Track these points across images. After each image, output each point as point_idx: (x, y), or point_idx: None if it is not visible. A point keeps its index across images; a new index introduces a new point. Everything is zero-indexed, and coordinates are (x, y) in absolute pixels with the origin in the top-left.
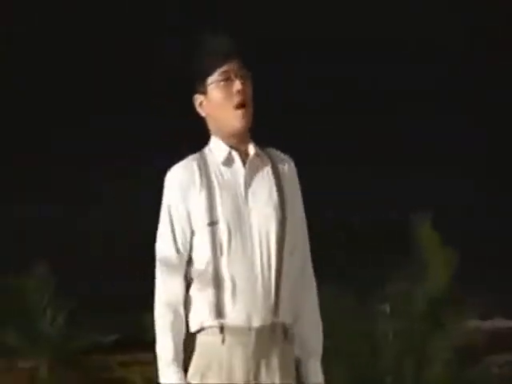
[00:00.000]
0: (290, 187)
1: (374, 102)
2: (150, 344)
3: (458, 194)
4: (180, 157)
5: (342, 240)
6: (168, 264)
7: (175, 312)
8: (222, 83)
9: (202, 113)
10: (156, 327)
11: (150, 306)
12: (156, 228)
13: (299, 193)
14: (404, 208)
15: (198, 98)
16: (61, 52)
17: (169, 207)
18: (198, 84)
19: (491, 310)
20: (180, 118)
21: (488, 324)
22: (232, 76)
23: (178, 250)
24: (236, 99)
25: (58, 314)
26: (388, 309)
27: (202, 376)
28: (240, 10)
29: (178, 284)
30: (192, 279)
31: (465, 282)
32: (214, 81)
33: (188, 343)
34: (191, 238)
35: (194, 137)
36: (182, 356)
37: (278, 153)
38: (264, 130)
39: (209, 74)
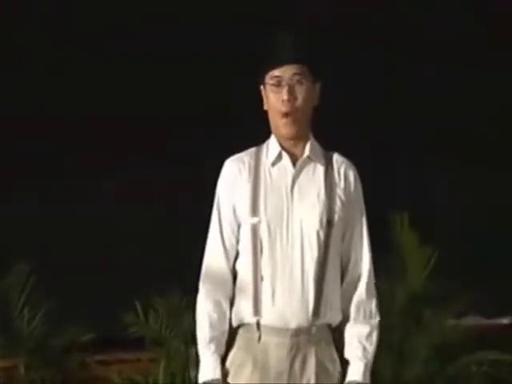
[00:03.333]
0: (347, 192)
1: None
2: (129, 343)
3: (435, 191)
4: None
5: None
6: (217, 258)
7: (216, 303)
8: (274, 87)
9: (265, 106)
10: (197, 318)
11: (130, 304)
12: (130, 223)
13: (359, 198)
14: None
15: (262, 90)
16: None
17: (218, 200)
18: (261, 76)
19: (470, 308)
20: None
21: (466, 322)
22: (283, 82)
23: (225, 245)
24: (282, 108)
25: (36, 312)
26: None
27: (236, 370)
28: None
29: (223, 281)
30: (238, 273)
31: (444, 279)
32: (267, 82)
33: (229, 338)
34: (238, 231)
35: None
36: (221, 345)
37: (340, 157)
38: None
39: (267, 71)
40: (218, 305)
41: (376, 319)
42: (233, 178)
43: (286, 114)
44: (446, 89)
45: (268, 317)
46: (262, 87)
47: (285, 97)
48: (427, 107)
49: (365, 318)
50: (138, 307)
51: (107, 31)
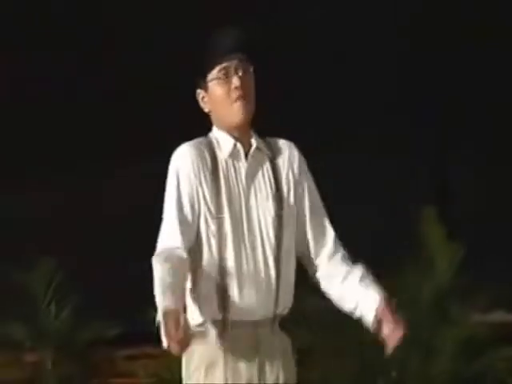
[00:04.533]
0: (292, 173)
1: None
2: (155, 338)
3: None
4: None
5: None
6: (172, 241)
7: (174, 253)
8: (222, 80)
9: (205, 108)
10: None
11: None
12: (156, 219)
13: (305, 176)
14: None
15: (200, 93)
16: None
17: (178, 181)
18: (199, 79)
19: (497, 304)
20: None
21: (493, 317)
22: (231, 72)
23: (183, 230)
24: (233, 95)
25: (63, 307)
26: (393, 302)
27: (207, 368)
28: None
29: (182, 259)
30: (195, 272)
31: (471, 274)
32: (213, 77)
33: (191, 336)
34: (198, 220)
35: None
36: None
37: (280, 141)
38: None
39: (208, 70)
40: (176, 255)
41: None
42: (197, 167)
43: (238, 98)
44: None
45: (235, 311)
46: (199, 91)
47: (237, 83)
48: (448, 106)
49: (351, 266)
50: None
51: None
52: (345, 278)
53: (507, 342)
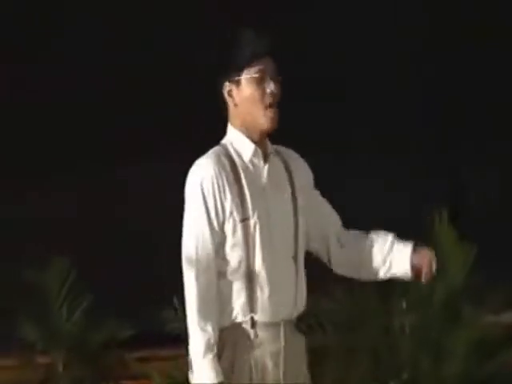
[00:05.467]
0: (301, 179)
1: None
2: (167, 339)
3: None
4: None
5: None
6: (206, 258)
7: (211, 303)
8: (258, 80)
9: (230, 102)
10: (190, 319)
11: (168, 301)
12: (168, 220)
13: (310, 181)
14: (421, 203)
15: (228, 86)
16: None
17: (203, 200)
18: (231, 72)
19: (509, 304)
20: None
21: (506, 318)
22: (268, 76)
23: (214, 244)
24: (268, 100)
25: (75, 308)
26: (404, 304)
27: (234, 369)
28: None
29: (215, 279)
30: (221, 274)
31: (483, 275)
32: (249, 75)
33: (219, 338)
34: (223, 231)
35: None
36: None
37: (284, 148)
38: None
39: (245, 66)
40: (214, 307)
41: None
42: (218, 177)
43: (272, 104)
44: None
45: (262, 313)
46: (227, 84)
47: (272, 88)
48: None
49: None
50: (176, 304)
51: None
52: (367, 236)
53: None
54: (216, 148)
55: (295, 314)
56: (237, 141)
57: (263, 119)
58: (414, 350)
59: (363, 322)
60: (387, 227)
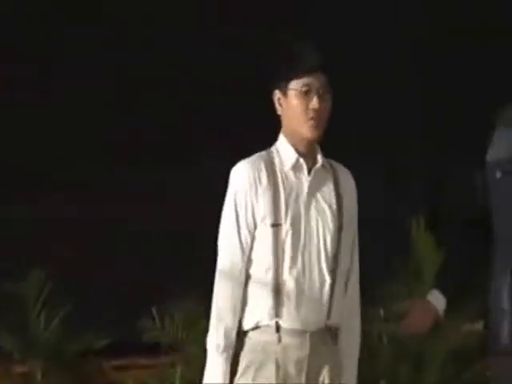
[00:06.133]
0: (349, 201)
1: None
2: (145, 348)
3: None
4: None
5: None
6: (233, 261)
7: (234, 312)
8: (303, 94)
9: (278, 110)
10: (211, 318)
11: (146, 309)
12: (146, 229)
13: (356, 207)
14: (397, 210)
15: (277, 94)
16: None
17: (235, 200)
18: (280, 81)
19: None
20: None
21: (482, 326)
22: (313, 91)
23: (243, 248)
24: (310, 114)
25: (52, 318)
26: (382, 312)
27: (257, 371)
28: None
29: (241, 283)
30: (249, 277)
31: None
32: (296, 88)
33: (239, 339)
34: (253, 235)
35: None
36: (231, 352)
37: (341, 166)
38: None
39: (293, 77)
40: (234, 311)
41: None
42: (251, 182)
43: (313, 118)
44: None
45: (287, 319)
46: (276, 92)
47: (316, 106)
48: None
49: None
50: (154, 312)
51: None
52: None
53: None
54: (261, 152)
55: (328, 326)
56: (282, 148)
57: (303, 130)
58: (392, 359)
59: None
60: (364, 228)
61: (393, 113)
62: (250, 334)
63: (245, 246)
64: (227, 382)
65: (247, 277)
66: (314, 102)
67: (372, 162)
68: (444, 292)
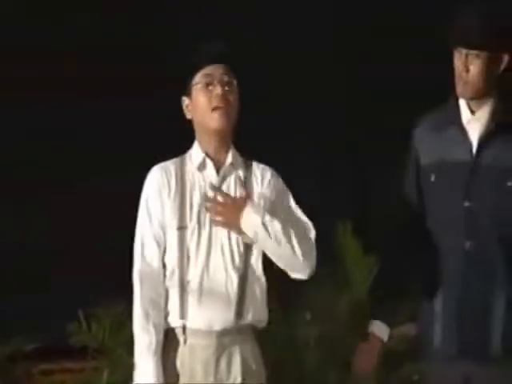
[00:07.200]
0: (266, 194)
1: None
2: (74, 352)
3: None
4: None
5: None
6: (149, 259)
7: (159, 308)
8: (205, 86)
9: (188, 115)
10: (135, 319)
11: (74, 313)
12: (72, 235)
13: (283, 196)
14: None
15: (185, 101)
16: None
17: (147, 205)
18: (187, 85)
19: (414, 317)
20: None
21: (411, 330)
22: (215, 80)
23: (158, 246)
24: (214, 102)
25: None
26: (309, 316)
27: (165, 373)
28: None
29: (161, 280)
30: (164, 278)
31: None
32: (197, 83)
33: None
34: (165, 238)
35: None
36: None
37: (259, 164)
38: None
39: (194, 75)
40: (158, 309)
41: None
42: (161, 186)
43: (217, 107)
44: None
45: (192, 319)
46: (184, 98)
47: (218, 91)
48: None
49: None
50: (81, 316)
51: None
52: None
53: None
54: (174, 158)
55: (240, 325)
56: (193, 151)
57: (210, 121)
58: (319, 363)
59: (266, 334)
60: None
61: (318, 109)
62: (165, 336)
63: (159, 248)
64: (161, 381)
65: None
66: (218, 89)
67: (299, 161)
68: (374, 295)
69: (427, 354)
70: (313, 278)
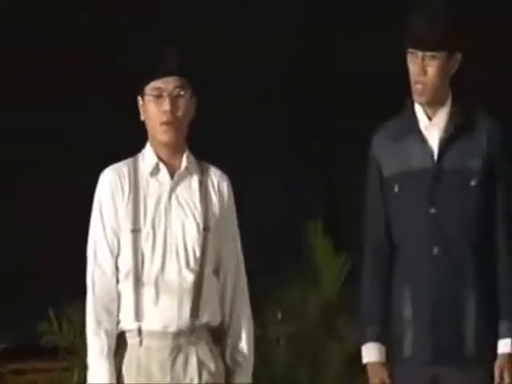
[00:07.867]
0: (220, 202)
1: None
2: (45, 352)
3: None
4: None
5: None
6: (102, 263)
7: (108, 309)
8: (155, 98)
9: (142, 117)
10: (87, 322)
11: (44, 313)
12: (41, 234)
13: (232, 210)
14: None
15: (140, 101)
16: None
17: (100, 207)
18: (141, 87)
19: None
20: None
21: None
22: (164, 94)
23: (111, 250)
24: (163, 118)
25: None
26: (280, 315)
27: (122, 377)
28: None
29: (113, 285)
30: (118, 281)
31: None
32: (149, 93)
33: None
34: (118, 240)
35: None
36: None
37: (215, 169)
38: None
39: (147, 82)
40: (110, 314)
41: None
42: (114, 189)
43: (166, 122)
44: None
45: (149, 321)
46: (139, 97)
47: (167, 107)
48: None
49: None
50: (52, 316)
51: None
52: None
53: None
54: (126, 160)
55: (196, 326)
56: (146, 153)
57: (159, 135)
58: (289, 362)
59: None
60: (261, 238)
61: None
62: (119, 338)
63: (113, 252)
64: (114, 381)
65: (117, 281)
66: (165, 105)
67: (267, 160)
68: (342, 297)
69: (399, 362)
70: (284, 278)
